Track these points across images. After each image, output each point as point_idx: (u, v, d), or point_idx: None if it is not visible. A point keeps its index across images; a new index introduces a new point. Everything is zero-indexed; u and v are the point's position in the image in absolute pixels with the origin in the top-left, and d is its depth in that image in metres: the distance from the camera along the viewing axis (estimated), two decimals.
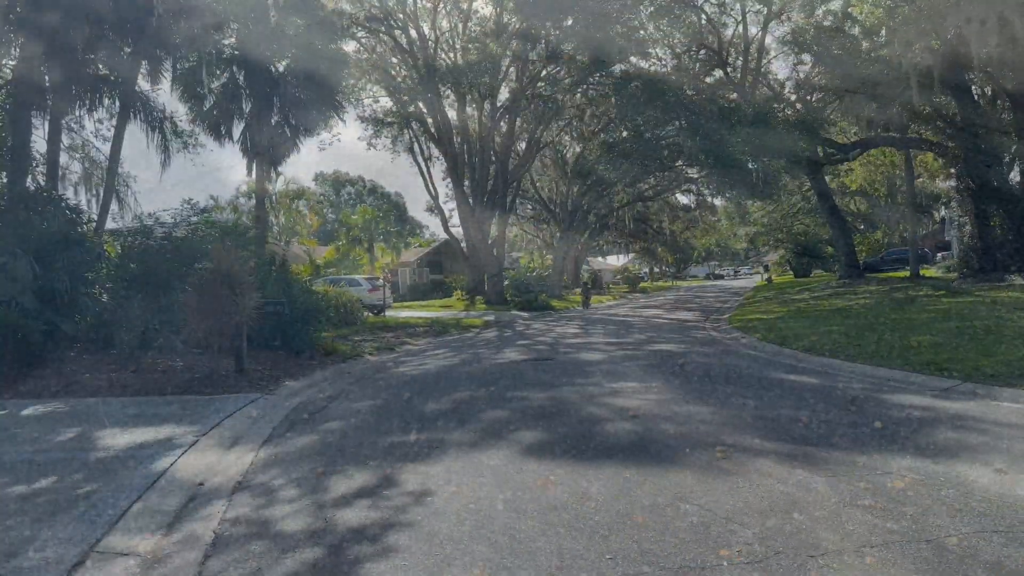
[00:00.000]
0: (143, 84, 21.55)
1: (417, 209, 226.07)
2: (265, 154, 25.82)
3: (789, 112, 25.56)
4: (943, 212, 57.25)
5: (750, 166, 28.63)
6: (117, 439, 8.31)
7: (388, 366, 15.91)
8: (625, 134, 38.81)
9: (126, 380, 12.48)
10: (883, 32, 23.49)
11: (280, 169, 28.74)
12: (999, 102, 29.73)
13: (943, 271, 40.78)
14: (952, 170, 30.78)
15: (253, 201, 50.68)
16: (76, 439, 8.41)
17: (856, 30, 25.35)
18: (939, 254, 55.48)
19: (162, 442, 8.23)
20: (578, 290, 54.33)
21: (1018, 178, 27.58)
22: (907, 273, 38.61)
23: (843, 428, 7.33)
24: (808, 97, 31.72)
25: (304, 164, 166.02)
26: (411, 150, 46.06)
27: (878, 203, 63.08)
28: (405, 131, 42.10)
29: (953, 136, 27.40)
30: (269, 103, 25.55)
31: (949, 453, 6.16)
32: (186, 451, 7.93)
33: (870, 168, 51.43)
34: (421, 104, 38.23)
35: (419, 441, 7.84)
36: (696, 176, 52.42)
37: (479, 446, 7.41)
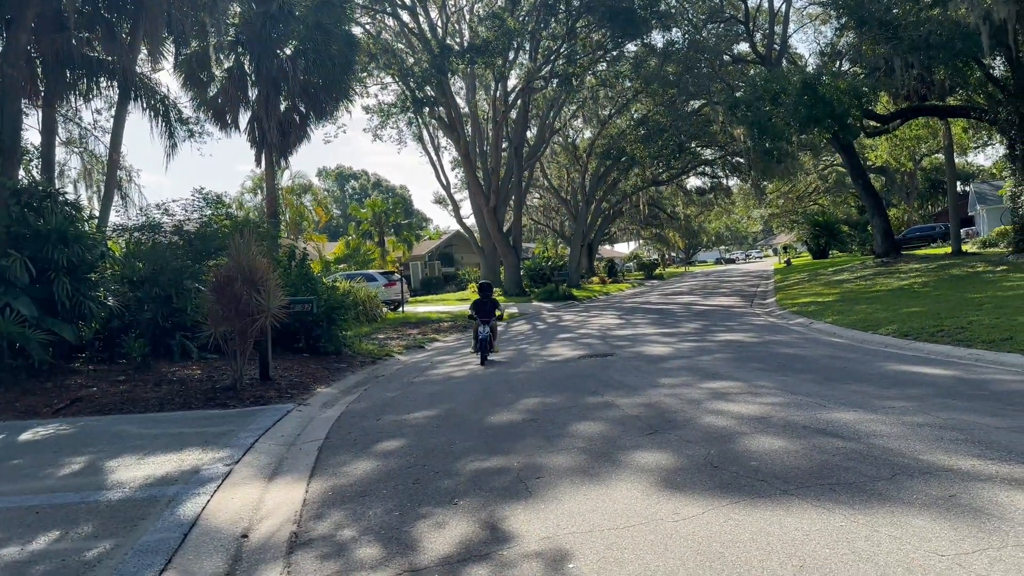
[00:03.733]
0: (144, 69, 19.98)
1: (422, 202, 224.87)
2: (274, 143, 24.23)
3: (837, 81, 23.80)
4: (970, 187, 55.46)
5: (795, 139, 26.95)
6: (133, 471, 6.77)
7: (424, 367, 14.38)
8: (648, 112, 37.13)
9: (138, 393, 10.95)
10: None
11: (290, 159, 27.08)
12: None
13: (980, 246, 39.14)
14: (1002, 138, 29.08)
15: (259, 197, 49.20)
16: (84, 472, 6.87)
17: None
18: (963, 230, 53.75)
19: (188, 474, 6.69)
20: (595, 279, 52.77)
21: None
22: (947, 249, 36.97)
23: None
24: (845, 67, 29.99)
25: (307, 159, 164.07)
26: (420, 139, 44.47)
27: (894, 180, 61.40)
28: (414, 120, 40.44)
29: (1004, 102, 25.69)
30: (277, 89, 23.89)
31: None
32: (220, 486, 6.40)
33: (894, 143, 49.65)
34: (430, 90, 36.54)
35: (509, 468, 6.27)
36: (713, 158, 50.77)
37: (592, 475, 5.84)
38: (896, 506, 4.53)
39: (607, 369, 11.51)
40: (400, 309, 29.81)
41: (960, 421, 6.48)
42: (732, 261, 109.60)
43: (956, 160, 46.80)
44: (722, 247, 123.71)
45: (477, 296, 14.87)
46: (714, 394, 8.72)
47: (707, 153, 49.93)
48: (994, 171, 59.13)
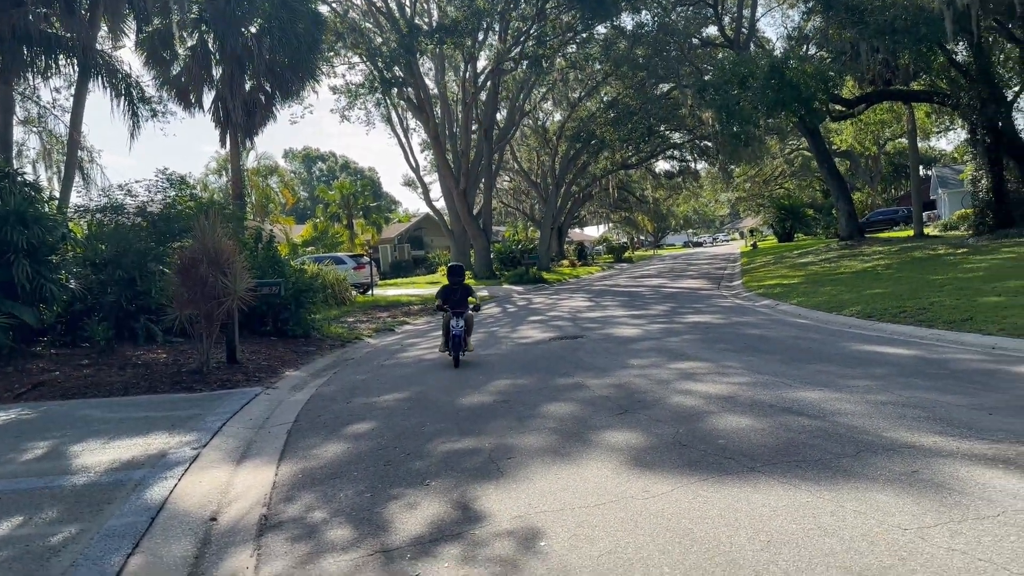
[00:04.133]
0: (104, 47, 19.47)
1: (391, 185, 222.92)
2: (239, 123, 23.82)
3: (805, 65, 24.00)
4: (932, 171, 56.46)
5: (762, 123, 27.16)
6: (99, 455, 6.66)
7: (395, 350, 14.32)
8: (618, 95, 37.14)
9: (103, 377, 10.76)
10: None
11: (255, 140, 26.65)
12: (1005, 50, 28.52)
13: (941, 229, 39.94)
14: (962, 123, 29.62)
15: (224, 178, 48.35)
16: (47, 457, 6.74)
17: None
18: (925, 213, 54.75)
19: (155, 458, 6.60)
20: (565, 262, 52.92)
21: None
22: (909, 232, 37.68)
23: (1018, 415, 5.92)
24: (812, 51, 30.25)
25: (273, 140, 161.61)
26: (388, 120, 44.02)
27: (858, 164, 62.28)
28: (382, 101, 40.00)
29: (966, 87, 26.14)
30: (242, 68, 23.46)
31: None
32: (187, 469, 6.32)
33: (859, 128, 50.30)
34: (399, 70, 36.14)
35: (481, 449, 6.29)
36: (681, 142, 51.03)
37: (563, 455, 5.88)
38: (860, 482, 4.63)
39: (577, 351, 11.56)
40: (369, 292, 29.63)
41: (922, 399, 6.63)
42: (700, 244, 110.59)
43: (919, 144, 47.60)
44: (690, 230, 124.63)
45: (446, 281, 11.95)
46: (682, 374, 8.81)
47: (676, 137, 50.17)
48: (955, 155, 60.24)
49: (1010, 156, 26.01)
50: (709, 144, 44.83)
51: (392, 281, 43.47)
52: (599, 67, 38.92)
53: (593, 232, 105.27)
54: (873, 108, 38.33)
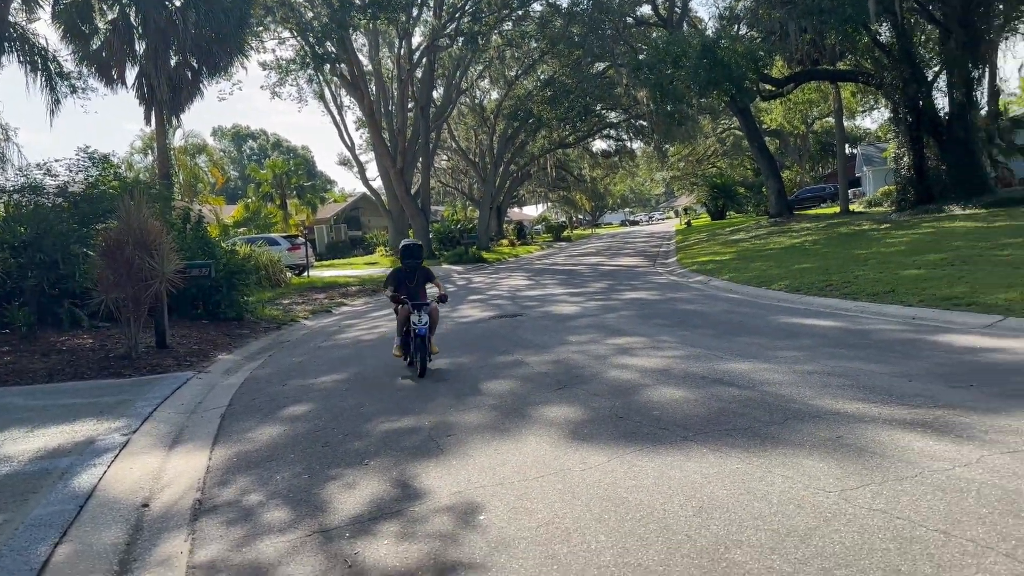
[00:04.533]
0: (18, 19, 18.48)
1: (326, 164, 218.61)
2: (165, 100, 22.97)
3: (736, 45, 24.43)
4: (857, 149, 58.30)
5: (695, 102, 27.56)
6: (22, 444, 6.42)
7: (333, 331, 14.15)
8: (554, 73, 37.15)
9: (25, 364, 10.33)
10: None
11: (182, 117, 25.74)
12: (926, 31, 29.54)
13: (865, 206, 41.38)
14: (887, 102, 30.66)
15: (150, 157, 46.62)
16: None
17: None
18: (851, 191, 56.56)
19: (82, 445, 6.39)
20: (505, 241, 52.96)
21: (946, 109, 27.54)
22: (835, 209, 38.91)
23: (935, 381, 6.21)
24: (743, 31, 30.78)
25: (201, 118, 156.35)
26: (322, 97, 43.04)
27: (788, 143, 63.93)
28: (315, 77, 39.07)
29: (889, 67, 27.04)
30: (167, 42, 22.58)
31: None
32: (117, 456, 6.14)
33: (788, 107, 51.56)
34: (331, 46, 35.33)
35: (420, 427, 6.29)
36: (617, 121, 51.44)
37: (503, 431, 5.92)
38: (788, 448, 4.80)
39: (517, 329, 11.62)
40: (305, 274, 29.13)
41: (846, 368, 6.89)
42: (636, 223, 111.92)
43: (845, 123, 49.06)
44: (627, 209, 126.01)
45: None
46: (619, 349, 8.96)
47: (612, 116, 50.51)
48: (879, 134, 62.27)
49: (930, 134, 27.06)
50: (644, 123, 45.29)
51: (329, 262, 42.79)
52: (535, 45, 38.83)
53: (532, 211, 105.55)
54: (801, 88, 39.30)
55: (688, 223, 64.40)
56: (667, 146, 57.51)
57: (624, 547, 3.60)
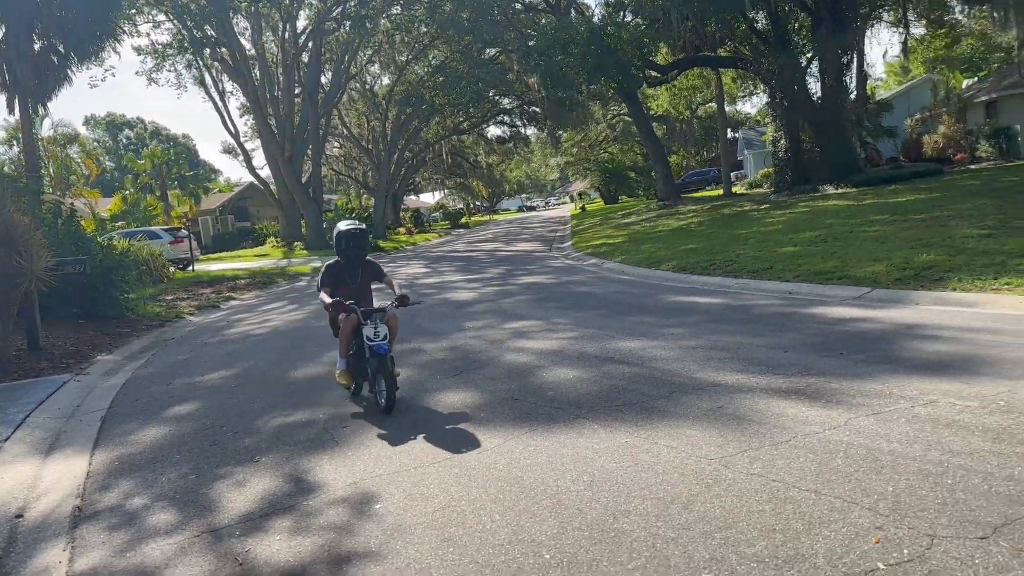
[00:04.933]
0: None
1: (210, 153, 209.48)
2: (29, 88, 21.39)
3: (622, 32, 24.95)
4: (739, 133, 60.81)
5: (583, 88, 28.02)
6: None
7: (220, 326, 13.65)
8: (446, 59, 36.91)
9: None
10: None
11: (49, 106, 24.04)
12: (800, 18, 31.02)
13: (747, 187, 43.30)
14: (764, 88, 32.11)
15: (16, 148, 43.38)
16: None
17: None
18: (733, 173, 58.99)
19: None
20: (402, 229, 52.43)
21: (819, 93, 29.11)
22: (719, 191, 40.53)
23: (809, 351, 6.59)
24: (628, 18, 31.48)
25: (72, 107, 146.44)
26: (202, 83, 41.12)
27: (674, 128, 66.11)
28: (194, 62, 37.32)
29: (766, 54, 28.31)
30: (29, 26, 21.03)
31: (954, 368, 5.54)
32: None
33: (673, 93, 53.25)
34: (210, 29, 33.83)
35: (315, 420, 6.17)
36: (511, 107, 51.71)
37: (400, 420, 5.89)
38: (673, 420, 5.00)
39: (415, 317, 11.53)
40: (190, 268, 27.90)
41: (728, 342, 7.22)
42: (533, 208, 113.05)
43: (726, 108, 51.11)
44: (524, 195, 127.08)
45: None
46: (516, 333, 9.06)
47: (505, 102, 50.71)
48: (758, 118, 65.23)
49: (805, 118, 28.51)
50: (537, 109, 45.70)
51: (216, 255, 41.12)
52: (425, 30, 38.41)
53: (429, 199, 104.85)
54: (685, 74, 40.63)
55: (583, 208, 65.65)
56: (560, 132, 58.22)
57: (519, 524, 3.66)
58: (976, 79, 40.24)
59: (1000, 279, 8.21)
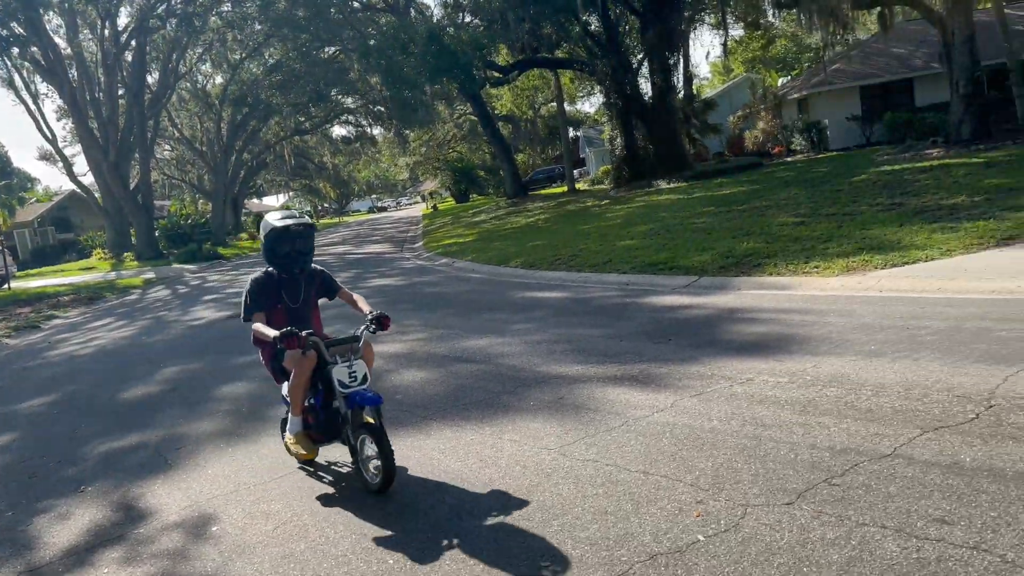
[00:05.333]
0: None
1: (25, 160, 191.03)
2: None
3: (460, 33, 25.13)
4: (580, 132, 62.93)
5: (427, 88, 27.96)
6: None
7: (41, 348, 12.58)
8: (282, 58, 35.70)
9: None
10: None
11: None
12: (630, 21, 32.52)
13: (590, 184, 44.91)
14: (600, 88, 33.38)
15: None
16: None
17: None
18: (576, 171, 60.96)
19: None
20: (244, 235, 50.22)
21: (650, 93, 30.67)
22: (564, 188, 41.77)
23: (642, 339, 6.96)
24: (468, 19, 31.77)
25: None
26: (11, 85, 37.58)
27: (519, 127, 67.49)
28: (1, 62, 34.03)
29: (600, 55, 29.46)
30: None
31: (769, 347, 6.03)
32: None
33: (516, 93, 54.28)
34: (18, 27, 30.96)
35: (146, 443, 5.84)
36: (355, 107, 50.82)
37: (239, 436, 5.68)
38: (517, 414, 5.14)
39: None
40: (5, 286, 25.44)
41: (570, 335, 7.50)
42: (384, 209, 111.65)
43: (567, 108, 52.77)
44: (374, 196, 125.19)
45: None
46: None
47: (349, 101, 49.76)
48: (596, 117, 67.76)
49: (638, 117, 29.95)
50: (383, 109, 45.19)
51: (36, 271, 37.73)
52: (259, 28, 37.00)
53: (273, 202, 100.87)
54: (526, 74, 41.47)
55: (434, 207, 65.68)
56: (407, 132, 57.89)
57: (362, 534, 3.65)
58: (789, 77, 43.82)
59: (810, 263, 9.01)
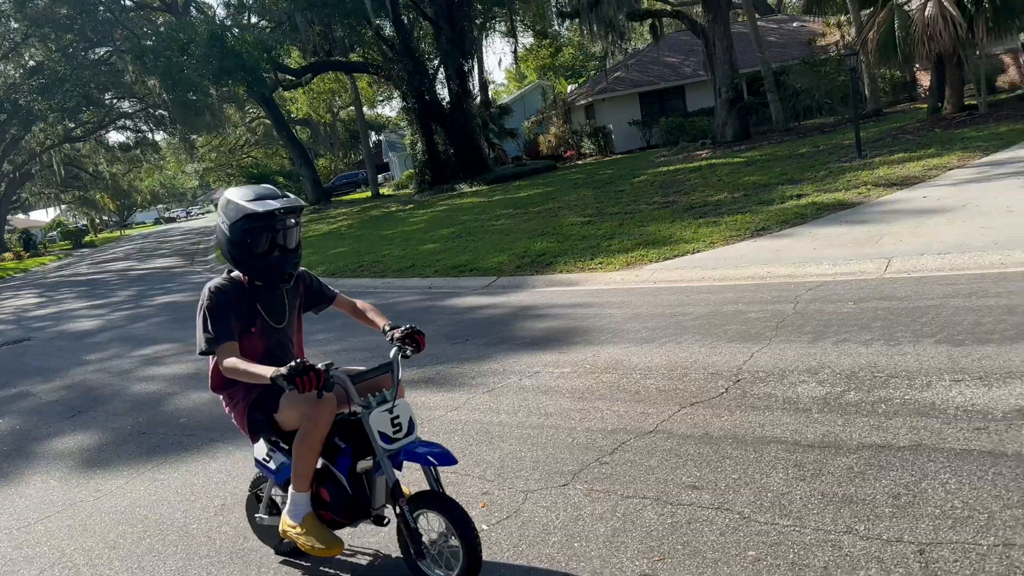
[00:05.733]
0: None
1: None
2: None
3: (245, 34, 24.00)
4: (382, 136, 62.49)
5: (211, 92, 26.39)
6: None
7: None
8: (42, 58, 32.27)
9: None
10: None
11: None
12: (424, 26, 32.79)
13: (394, 188, 44.76)
14: (398, 92, 33.31)
15: None
16: None
17: None
18: (380, 175, 60.53)
19: None
20: (8, 254, 44.89)
21: (447, 98, 31.11)
22: (368, 194, 41.31)
23: (442, 341, 7.08)
24: (254, 20, 30.48)
25: None
26: None
27: (318, 132, 65.88)
28: None
29: (395, 60, 29.42)
30: None
31: (556, 340, 6.37)
32: None
33: (312, 96, 52.86)
34: None
35: None
36: (133, 111, 47.04)
37: (16, 477, 5.13)
38: None
39: (22, 356, 10.07)
40: None
41: (371, 342, 7.44)
42: (173, 220, 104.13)
43: (367, 112, 52.21)
44: (160, 206, 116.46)
45: (223, 280, 3.02)
46: (147, 360, 8.38)
47: (126, 105, 45.99)
48: (397, 122, 67.66)
49: (437, 122, 30.29)
50: (164, 113, 42.18)
51: None
52: (16, 26, 33.25)
53: (43, 216, 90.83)
54: (321, 77, 40.50)
55: None
56: (193, 137, 54.47)
57: (140, 567, 3.45)
58: (577, 84, 46.20)
59: (595, 259, 9.61)
